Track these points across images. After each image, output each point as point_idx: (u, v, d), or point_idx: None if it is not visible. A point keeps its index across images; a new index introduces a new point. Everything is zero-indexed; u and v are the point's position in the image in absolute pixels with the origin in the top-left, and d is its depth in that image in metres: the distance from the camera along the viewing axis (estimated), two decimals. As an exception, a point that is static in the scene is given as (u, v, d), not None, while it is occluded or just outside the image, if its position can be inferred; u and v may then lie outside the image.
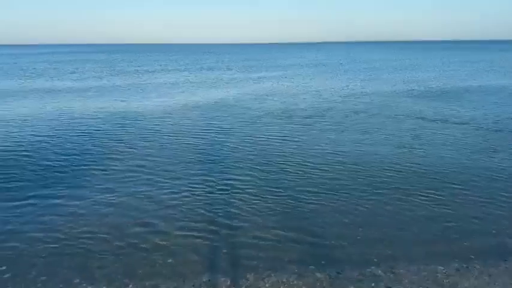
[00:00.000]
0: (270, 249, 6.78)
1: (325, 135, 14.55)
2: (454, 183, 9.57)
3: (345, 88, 28.52)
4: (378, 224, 7.71)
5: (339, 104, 21.32)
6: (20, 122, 16.82)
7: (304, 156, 11.79)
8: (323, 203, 8.60)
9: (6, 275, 6.02)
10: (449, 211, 8.16)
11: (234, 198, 8.74)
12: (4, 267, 6.21)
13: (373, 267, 6.27)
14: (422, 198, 8.80)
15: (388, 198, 8.85)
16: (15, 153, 12.09)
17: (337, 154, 12.07)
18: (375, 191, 9.25)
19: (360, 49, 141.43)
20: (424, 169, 10.61)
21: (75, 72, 44.48)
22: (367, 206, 8.47)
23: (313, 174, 10.28)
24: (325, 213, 8.10)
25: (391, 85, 30.19)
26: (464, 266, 6.29)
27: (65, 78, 37.34)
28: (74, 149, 12.59)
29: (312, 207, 8.36)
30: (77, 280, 5.94)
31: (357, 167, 10.82)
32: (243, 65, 58.69)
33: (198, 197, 8.83)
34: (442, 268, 6.23)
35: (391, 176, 10.21)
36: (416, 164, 11.05)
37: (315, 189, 9.27)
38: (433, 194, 8.99)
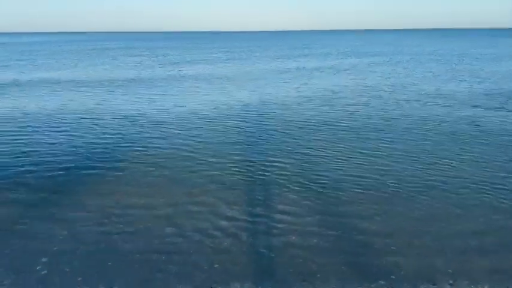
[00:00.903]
0: (305, 257, 5.90)
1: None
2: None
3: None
4: (438, 231, 6.57)
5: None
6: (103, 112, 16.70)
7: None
8: (372, 203, 7.60)
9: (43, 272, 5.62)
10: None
11: (276, 196, 7.94)
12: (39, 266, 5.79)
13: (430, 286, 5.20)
14: (499, 205, 7.47)
15: (454, 201, 7.65)
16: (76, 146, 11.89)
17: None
18: (436, 191, 8.08)
19: (396, 37, 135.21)
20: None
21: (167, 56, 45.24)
22: (424, 208, 7.39)
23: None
24: (373, 215, 7.12)
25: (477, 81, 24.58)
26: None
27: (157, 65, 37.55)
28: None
29: (358, 208, 7.37)
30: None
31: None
32: (300, 53, 57.31)
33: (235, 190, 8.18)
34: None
35: (462, 173, 8.95)
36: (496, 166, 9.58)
37: (364, 189, 8.26)
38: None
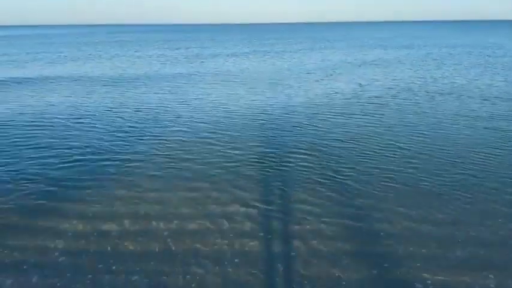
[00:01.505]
0: (326, 265, 5.57)
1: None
2: None
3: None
4: (481, 241, 6.02)
5: None
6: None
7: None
8: (401, 200, 7.31)
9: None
10: None
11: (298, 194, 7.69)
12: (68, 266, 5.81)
13: None
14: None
15: (490, 199, 7.29)
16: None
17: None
18: (471, 189, 7.71)
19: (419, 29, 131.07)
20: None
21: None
22: (455, 207, 7.00)
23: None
24: (401, 214, 6.78)
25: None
26: None
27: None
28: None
29: (386, 213, 6.92)
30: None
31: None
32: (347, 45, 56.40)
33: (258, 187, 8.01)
34: None
35: (498, 170, 8.57)
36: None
37: (394, 184, 7.98)
38: None
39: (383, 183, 8.03)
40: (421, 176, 8.33)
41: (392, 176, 8.35)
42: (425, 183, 7.99)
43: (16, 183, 8.20)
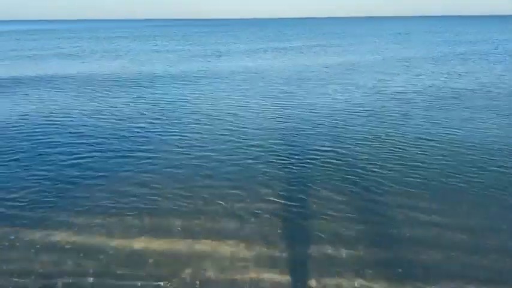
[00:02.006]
0: (346, 270, 5.51)
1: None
2: None
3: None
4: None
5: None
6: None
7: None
8: (432, 201, 7.22)
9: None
10: None
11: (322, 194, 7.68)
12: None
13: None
14: None
15: None
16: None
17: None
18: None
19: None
20: None
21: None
22: (497, 221, 6.64)
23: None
24: (431, 226, 6.50)
25: None
26: None
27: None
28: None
29: (413, 217, 6.79)
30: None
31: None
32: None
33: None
34: None
35: None
36: None
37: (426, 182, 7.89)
38: None
39: (414, 186, 7.84)
40: (454, 179, 8.10)
41: (421, 176, 8.19)
42: (457, 186, 7.79)
43: (33, 179, 8.46)
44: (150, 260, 5.65)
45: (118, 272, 5.40)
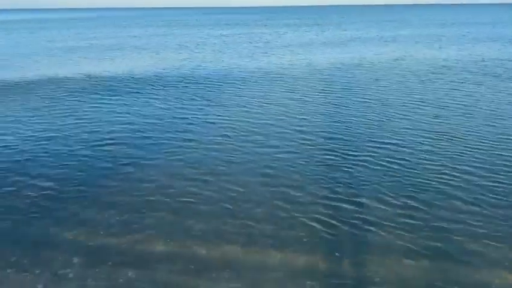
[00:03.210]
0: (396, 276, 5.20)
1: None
2: None
3: None
4: None
5: None
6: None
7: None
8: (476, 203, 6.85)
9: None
10: None
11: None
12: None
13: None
14: None
15: None
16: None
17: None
18: None
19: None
20: None
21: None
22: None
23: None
24: (482, 238, 6.03)
25: None
26: None
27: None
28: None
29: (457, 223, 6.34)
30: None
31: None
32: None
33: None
34: None
35: None
36: None
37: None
38: None
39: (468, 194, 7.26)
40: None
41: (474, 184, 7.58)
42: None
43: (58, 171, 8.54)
44: (178, 264, 5.52)
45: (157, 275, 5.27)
